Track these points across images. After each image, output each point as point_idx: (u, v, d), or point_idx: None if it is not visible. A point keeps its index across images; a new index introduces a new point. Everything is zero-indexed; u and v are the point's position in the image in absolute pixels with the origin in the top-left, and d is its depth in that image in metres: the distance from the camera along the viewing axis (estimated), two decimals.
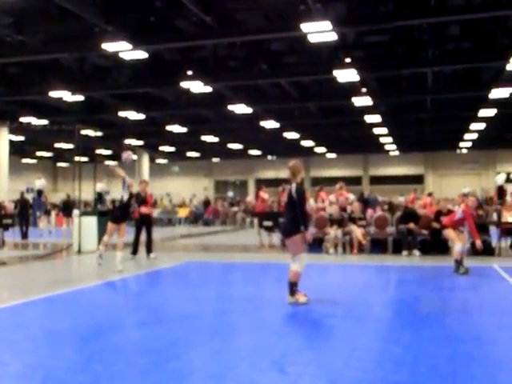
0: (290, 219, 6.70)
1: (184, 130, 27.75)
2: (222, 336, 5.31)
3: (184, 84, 17.74)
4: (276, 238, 14.09)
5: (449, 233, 9.42)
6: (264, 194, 15.55)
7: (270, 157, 41.90)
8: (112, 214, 10.58)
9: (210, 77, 17.66)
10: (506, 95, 21.15)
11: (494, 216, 12.84)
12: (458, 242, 9.13)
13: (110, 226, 9.90)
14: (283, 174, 7.63)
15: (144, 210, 11.79)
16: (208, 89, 18.92)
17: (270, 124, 26.44)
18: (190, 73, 17.10)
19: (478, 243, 9.04)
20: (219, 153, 39.76)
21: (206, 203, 31.47)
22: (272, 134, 29.43)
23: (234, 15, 14.31)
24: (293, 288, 6.59)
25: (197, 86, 18.10)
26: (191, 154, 39.53)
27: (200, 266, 11.29)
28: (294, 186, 6.70)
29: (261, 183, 20.30)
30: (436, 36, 16.99)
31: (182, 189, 40.48)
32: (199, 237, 20.11)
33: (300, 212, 6.56)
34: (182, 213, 30.42)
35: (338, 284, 8.49)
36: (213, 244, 16.55)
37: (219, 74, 17.92)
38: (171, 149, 36.18)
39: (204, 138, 30.77)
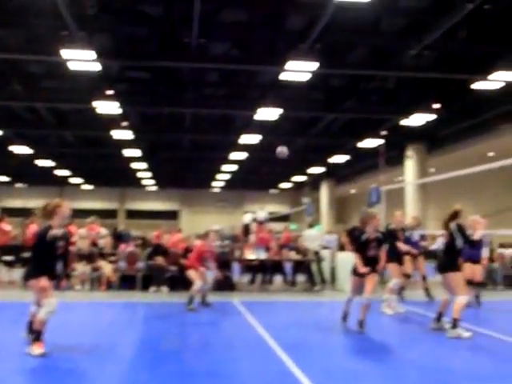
0: (31, 260, 6.18)
1: None
2: None
3: None
4: (17, 273, 12.96)
5: (189, 273, 9.74)
6: (6, 226, 14.23)
7: (18, 184, 38.85)
8: None
9: None
10: (254, 141, 23.23)
11: (238, 253, 13.74)
12: (198, 281, 9.51)
13: None
14: (33, 203, 7.09)
15: None
16: None
17: (21, 149, 24.67)
18: None
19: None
20: None
21: None
22: (23, 160, 27.50)
23: None
24: (34, 336, 5.88)
25: None
26: None
27: None
28: (42, 226, 6.14)
29: (6, 213, 18.64)
30: (196, 80, 17.95)
31: None
32: None
33: (35, 255, 6.05)
34: None
35: (81, 324, 8.13)
36: None
37: None
38: None
39: None
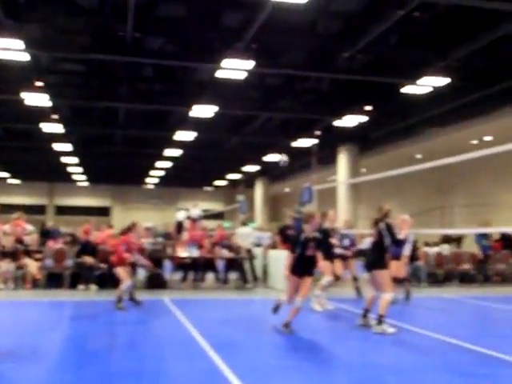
0: None
1: None
2: None
3: None
4: None
5: (117, 271, 9.44)
6: None
7: None
8: None
9: None
10: (189, 138, 23.07)
11: (170, 250, 13.58)
12: (126, 280, 9.28)
13: None
14: None
15: None
16: None
17: None
18: None
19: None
20: None
21: None
22: None
23: None
24: None
25: None
26: None
27: None
28: None
29: None
30: (130, 74, 17.61)
31: None
32: None
33: None
34: None
35: (3, 324, 7.82)
36: None
37: None
38: None
39: None
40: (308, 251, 7.32)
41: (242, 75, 14.78)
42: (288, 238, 12.49)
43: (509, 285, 14.80)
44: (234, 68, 14.03)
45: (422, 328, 7.84)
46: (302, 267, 7.31)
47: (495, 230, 17.99)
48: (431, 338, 7.29)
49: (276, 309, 7.72)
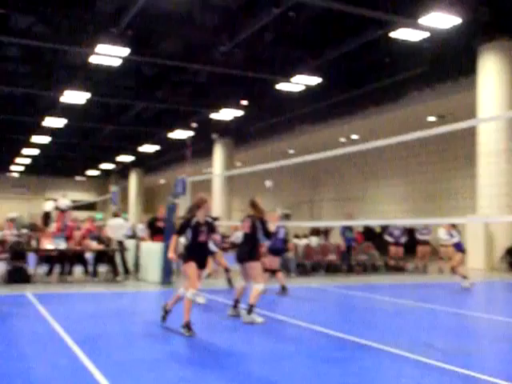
0: None
1: None
2: None
3: None
4: None
5: None
6: None
7: None
8: None
9: None
10: (59, 125, 21.99)
11: (34, 243, 12.85)
12: None
13: None
14: None
15: None
16: None
17: None
18: None
19: None
20: None
21: None
22: None
23: None
24: None
25: None
26: None
27: None
28: None
29: None
30: None
31: None
32: None
33: None
34: None
35: None
36: None
37: None
38: None
39: None
40: (200, 237, 7.07)
41: (117, 62, 14.37)
42: (159, 229, 12.37)
43: (369, 274, 15.83)
44: (109, 54, 13.60)
45: (290, 317, 8.14)
46: (198, 254, 7.05)
47: (359, 223, 19.18)
48: (298, 326, 7.59)
49: (165, 316, 7.17)
